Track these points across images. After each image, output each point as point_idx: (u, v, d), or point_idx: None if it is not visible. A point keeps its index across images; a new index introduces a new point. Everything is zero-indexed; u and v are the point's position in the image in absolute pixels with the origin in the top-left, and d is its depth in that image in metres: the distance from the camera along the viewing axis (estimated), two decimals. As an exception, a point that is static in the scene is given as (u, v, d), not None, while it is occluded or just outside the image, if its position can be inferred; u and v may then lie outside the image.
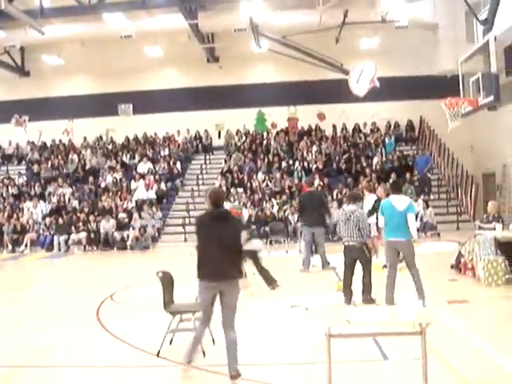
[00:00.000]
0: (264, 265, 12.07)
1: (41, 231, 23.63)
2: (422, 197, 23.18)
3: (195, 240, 6.54)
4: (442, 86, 22.13)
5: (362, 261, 10.01)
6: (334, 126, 29.14)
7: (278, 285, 11.83)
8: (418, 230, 20.62)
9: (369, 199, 15.09)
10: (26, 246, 22.89)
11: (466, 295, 10.19)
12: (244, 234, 7.25)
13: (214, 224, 6.45)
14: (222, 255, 6.32)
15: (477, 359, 6.79)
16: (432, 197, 24.21)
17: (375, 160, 26.05)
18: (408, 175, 24.46)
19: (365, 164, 25.84)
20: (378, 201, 14.04)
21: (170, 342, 7.64)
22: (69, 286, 14.38)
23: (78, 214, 23.82)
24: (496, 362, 6.61)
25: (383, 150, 26.89)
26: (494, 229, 11.99)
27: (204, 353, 7.05)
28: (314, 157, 26.80)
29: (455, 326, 8.22)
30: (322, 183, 24.30)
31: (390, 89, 23.96)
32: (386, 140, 27.77)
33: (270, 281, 11.92)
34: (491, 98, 19.51)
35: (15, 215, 24.58)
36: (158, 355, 7.32)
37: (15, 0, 21.40)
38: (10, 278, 16.91)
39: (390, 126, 28.90)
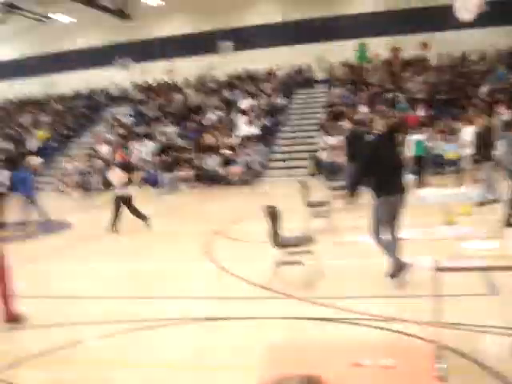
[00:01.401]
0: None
1: (149, 170, 24.40)
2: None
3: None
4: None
5: None
6: (440, 56, 28.06)
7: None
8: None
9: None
10: (136, 184, 23.70)
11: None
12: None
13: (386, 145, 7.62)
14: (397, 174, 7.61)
15: None
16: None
17: (483, 89, 24.98)
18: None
19: (471, 94, 24.85)
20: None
21: (278, 275, 7.82)
22: (179, 221, 14.90)
23: (184, 152, 24.39)
24: None
25: (492, 79, 25.69)
26: None
27: (310, 285, 7.19)
28: (418, 87, 26.02)
29: None
30: (426, 114, 23.67)
31: (500, 12, 22.69)
32: (495, 68, 26.49)
33: (143, 217, 13.38)
34: None
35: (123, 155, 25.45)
36: (266, 287, 7.51)
37: None
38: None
39: (501, 54, 27.49)
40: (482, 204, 13.01)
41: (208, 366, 5.40)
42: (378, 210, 7.43)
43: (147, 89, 31.39)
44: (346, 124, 16.03)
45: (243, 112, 26.65)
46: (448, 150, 20.10)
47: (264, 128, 25.81)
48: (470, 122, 15.94)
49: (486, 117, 14.96)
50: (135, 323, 6.58)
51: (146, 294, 7.97)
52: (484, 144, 13.92)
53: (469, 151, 15.53)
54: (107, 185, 16.73)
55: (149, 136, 26.75)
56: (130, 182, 14.14)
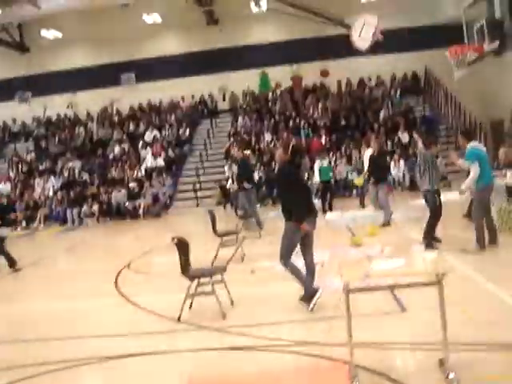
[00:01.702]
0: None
1: (53, 206, 23.83)
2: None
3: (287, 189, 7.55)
4: (446, 35, 21.89)
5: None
6: (339, 82, 28.95)
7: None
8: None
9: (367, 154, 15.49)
10: (39, 221, 23.10)
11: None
12: None
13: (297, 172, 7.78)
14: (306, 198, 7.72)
15: (492, 305, 6.87)
16: (440, 146, 24.10)
17: (382, 114, 25.92)
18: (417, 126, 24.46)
19: (371, 119, 25.75)
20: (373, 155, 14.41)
21: (190, 307, 7.74)
22: (86, 258, 14.56)
23: (89, 187, 23.97)
24: (510, 306, 6.69)
25: (389, 104, 26.74)
26: (505, 176, 11.93)
27: (224, 315, 7.15)
28: (320, 114, 26.70)
29: (470, 273, 8.29)
30: (329, 140, 24.30)
31: (394, 40, 23.66)
32: (392, 93, 27.59)
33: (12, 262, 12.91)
34: (496, 43, 19.33)
35: (27, 192, 24.77)
36: (179, 320, 7.42)
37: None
38: (27, 252, 17.06)
39: (395, 79, 28.66)
40: (384, 225, 13.45)
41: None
42: (288, 235, 7.43)
43: (49, 123, 30.71)
44: (239, 153, 16.22)
45: (148, 144, 26.48)
46: (353, 176, 20.66)
47: (170, 159, 25.73)
48: (368, 146, 16.59)
49: (378, 140, 15.53)
50: (41, 367, 6.31)
51: (53, 335, 7.67)
52: (376, 166, 14.40)
53: None
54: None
55: (52, 171, 26.12)
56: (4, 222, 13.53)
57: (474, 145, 10.23)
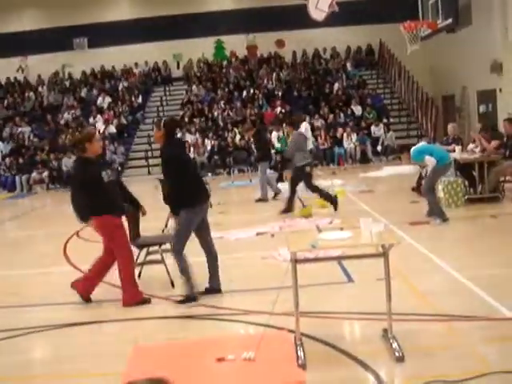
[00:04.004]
0: None
1: (1, 172, 23.33)
2: (383, 121, 23.45)
3: (171, 173, 6.72)
4: (401, 10, 22.00)
5: None
6: (294, 53, 28.92)
7: None
8: (380, 154, 21.31)
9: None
10: (-14, 187, 22.63)
11: (427, 217, 10.41)
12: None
13: (185, 153, 7.24)
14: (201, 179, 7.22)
15: (435, 276, 7.07)
16: (392, 120, 24.42)
17: (336, 86, 26.02)
18: (369, 100, 24.71)
19: (326, 90, 25.85)
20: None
21: (139, 276, 7.71)
22: (34, 225, 14.35)
23: (39, 153, 23.51)
24: (454, 278, 6.86)
25: (344, 76, 26.85)
26: (454, 151, 12.16)
27: (172, 283, 7.15)
28: (274, 85, 26.67)
29: (416, 246, 8.47)
30: (283, 110, 24.32)
31: (350, 13, 23.68)
32: (347, 65, 27.70)
33: None
34: (450, 20, 19.53)
35: (-26, 156, 24.22)
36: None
37: None
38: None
39: (350, 51, 28.77)
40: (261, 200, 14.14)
41: (67, 374, 5.22)
42: (184, 226, 6.66)
43: (-2, 87, 29.93)
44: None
45: (100, 111, 26.07)
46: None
47: (122, 127, 25.42)
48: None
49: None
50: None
51: (1, 303, 7.56)
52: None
53: None
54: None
55: (1, 137, 25.53)
56: None
57: (412, 148, 10.45)
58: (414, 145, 10.86)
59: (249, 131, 15.05)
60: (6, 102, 28.19)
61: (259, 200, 14.11)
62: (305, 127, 16.65)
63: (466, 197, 11.62)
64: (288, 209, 11.95)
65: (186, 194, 6.60)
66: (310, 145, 16.56)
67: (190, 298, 6.67)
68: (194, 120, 24.62)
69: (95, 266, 7.09)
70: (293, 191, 12.06)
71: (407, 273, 7.04)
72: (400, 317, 5.38)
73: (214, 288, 6.84)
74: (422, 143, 11.27)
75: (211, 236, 7.01)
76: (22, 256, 10.43)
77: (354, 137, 22.42)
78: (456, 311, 5.72)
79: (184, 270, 6.64)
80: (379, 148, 22.18)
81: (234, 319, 6.16)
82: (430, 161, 9.95)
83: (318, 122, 22.93)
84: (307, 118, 21.38)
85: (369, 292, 6.45)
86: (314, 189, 11.96)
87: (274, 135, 17.58)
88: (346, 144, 22.33)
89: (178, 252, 6.66)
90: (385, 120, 23.74)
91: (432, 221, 10.07)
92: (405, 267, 7.12)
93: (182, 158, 6.88)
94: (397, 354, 4.79)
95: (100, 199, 6.77)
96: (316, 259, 5.94)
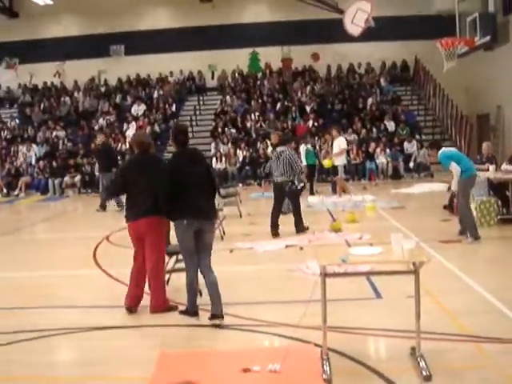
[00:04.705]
0: None
1: (35, 174, 23.68)
2: (416, 137, 23.30)
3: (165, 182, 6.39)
4: (438, 26, 21.96)
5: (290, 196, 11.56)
6: (329, 67, 28.92)
7: None
8: (412, 171, 21.17)
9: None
10: (20, 189, 22.94)
11: (459, 236, 10.29)
12: None
13: (188, 165, 6.39)
14: (200, 196, 6.35)
15: (466, 296, 6.96)
16: (425, 137, 24.24)
17: (370, 101, 25.95)
18: (402, 117, 24.62)
19: (359, 105, 25.78)
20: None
21: (167, 282, 7.74)
22: (65, 228, 14.50)
23: (72, 157, 23.80)
24: (485, 299, 6.76)
25: (378, 91, 26.77)
26: (488, 170, 12.03)
27: (200, 292, 7.17)
28: (307, 98, 26.67)
29: (447, 265, 8.37)
30: (316, 124, 24.32)
31: (386, 28, 23.66)
32: (381, 81, 27.61)
33: None
34: (488, 38, 19.37)
35: (9, 159, 24.59)
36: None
37: None
38: (6, 220, 16.99)
39: (385, 67, 28.67)
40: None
41: (92, 377, 5.26)
42: (177, 237, 6.46)
43: (35, 91, 30.36)
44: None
45: (134, 118, 26.32)
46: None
47: (155, 134, 25.58)
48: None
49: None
50: (14, 335, 6.29)
51: (29, 304, 7.64)
52: None
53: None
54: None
55: (36, 140, 25.90)
56: None
57: (442, 150, 10.33)
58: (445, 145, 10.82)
59: (276, 138, 14.98)
60: (42, 105, 28.61)
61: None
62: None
63: (499, 217, 11.47)
64: (302, 228, 11.68)
65: (175, 208, 6.32)
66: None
67: (188, 312, 6.58)
68: (227, 130, 24.75)
69: (150, 280, 6.97)
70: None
71: (437, 291, 6.95)
72: (428, 335, 5.32)
73: (213, 314, 6.32)
74: (453, 149, 11.10)
75: (209, 260, 6.48)
76: (52, 258, 10.54)
77: (387, 152, 22.30)
78: (486, 332, 5.63)
79: (187, 283, 6.50)
80: (411, 164, 22.00)
81: (260, 330, 6.14)
82: (455, 169, 9.78)
83: (351, 137, 22.78)
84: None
85: (397, 309, 6.39)
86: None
87: (303, 148, 17.51)
88: (378, 159, 22.20)
89: (185, 261, 6.58)
90: (418, 137, 23.57)
91: (464, 239, 9.96)
92: (434, 285, 7.03)
93: (178, 171, 6.39)
94: (424, 373, 4.74)
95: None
96: (345, 274, 5.90)
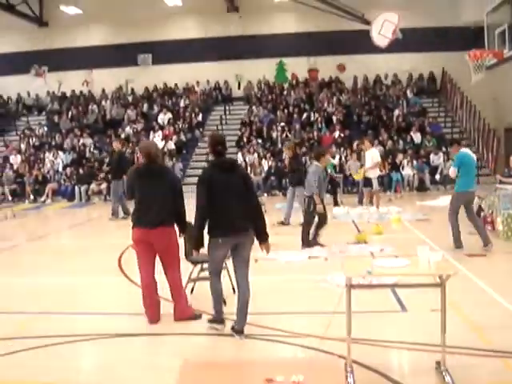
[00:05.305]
0: None
1: (62, 181, 23.93)
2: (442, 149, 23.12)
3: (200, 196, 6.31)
4: (466, 38, 21.81)
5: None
6: (355, 78, 28.87)
7: None
8: (438, 183, 21.04)
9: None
10: (47, 195, 23.19)
11: (484, 248, 10.21)
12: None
13: (224, 175, 6.29)
14: (236, 207, 6.21)
15: (492, 310, 6.88)
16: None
17: (396, 112, 25.85)
18: (429, 129, 24.48)
19: (385, 117, 25.68)
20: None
21: (192, 291, 7.77)
22: (91, 235, 14.62)
23: (99, 165, 24.01)
24: (511, 312, 6.69)
25: (404, 103, 26.65)
26: (513, 183, 11.93)
27: (225, 301, 7.17)
28: (334, 109, 26.63)
29: (473, 278, 8.28)
30: (342, 135, 24.28)
31: (413, 40, 23.60)
32: (408, 92, 27.49)
33: None
34: (516, 50, 19.16)
35: (36, 166, 24.88)
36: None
37: None
38: (33, 227, 17.18)
39: (412, 78, 28.55)
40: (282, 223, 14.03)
41: (116, 383, 5.28)
42: (209, 251, 6.34)
43: (63, 99, 30.72)
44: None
45: (160, 127, 26.50)
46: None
47: (181, 143, 25.75)
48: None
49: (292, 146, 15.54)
50: (40, 340, 6.36)
51: (55, 309, 7.71)
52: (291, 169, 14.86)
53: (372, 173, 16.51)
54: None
55: (63, 147, 26.18)
56: None
57: (462, 150, 10.63)
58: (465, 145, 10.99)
59: (290, 149, 14.95)
60: (70, 113, 28.93)
61: (281, 223, 14.04)
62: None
63: (527, 231, 11.35)
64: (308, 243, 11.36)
65: (209, 222, 6.23)
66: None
67: (214, 320, 6.53)
68: (253, 140, 24.80)
69: (172, 290, 7.03)
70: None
71: (462, 305, 6.89)
72: (454, 350, 5.28)
73: (235, 329, 6.26)
74: (473, 154, 11.01)
75: (246, 270, 6.35)
76: (78, 264, 10.62)
77: (413, 164, 22.17)
78: (513, 348, 5.57)
79: (213, 291, 6.44)
80: (437, 177, 21.80)
81: (284, 341, 6.13)
82: (452, 172, 10.39)
83: (377, 148, 22.69)
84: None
85: (422, 322, 6.34)
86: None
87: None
88: (404, 171, 22.07)
89: (211, 273, 6.52)
90: (444, 149, 23.40)
91: (484, 251, 9.99)
92: (460, 299, 6.97)
93: (212, 181, 6.27)
94: (450, 388, 4.70)
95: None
96: (370, 285, 5.86)
